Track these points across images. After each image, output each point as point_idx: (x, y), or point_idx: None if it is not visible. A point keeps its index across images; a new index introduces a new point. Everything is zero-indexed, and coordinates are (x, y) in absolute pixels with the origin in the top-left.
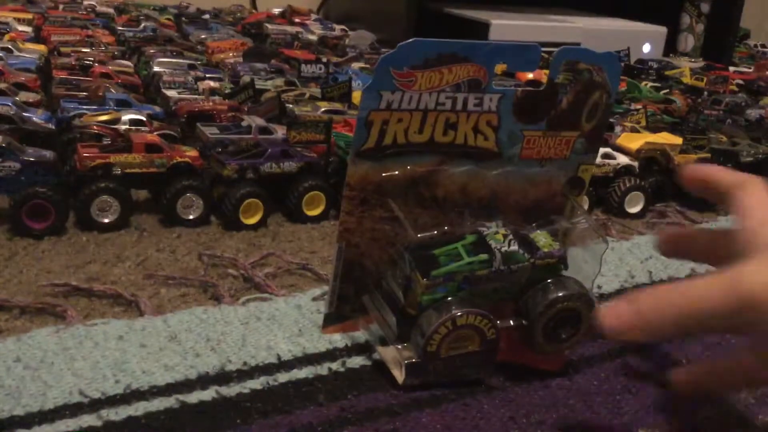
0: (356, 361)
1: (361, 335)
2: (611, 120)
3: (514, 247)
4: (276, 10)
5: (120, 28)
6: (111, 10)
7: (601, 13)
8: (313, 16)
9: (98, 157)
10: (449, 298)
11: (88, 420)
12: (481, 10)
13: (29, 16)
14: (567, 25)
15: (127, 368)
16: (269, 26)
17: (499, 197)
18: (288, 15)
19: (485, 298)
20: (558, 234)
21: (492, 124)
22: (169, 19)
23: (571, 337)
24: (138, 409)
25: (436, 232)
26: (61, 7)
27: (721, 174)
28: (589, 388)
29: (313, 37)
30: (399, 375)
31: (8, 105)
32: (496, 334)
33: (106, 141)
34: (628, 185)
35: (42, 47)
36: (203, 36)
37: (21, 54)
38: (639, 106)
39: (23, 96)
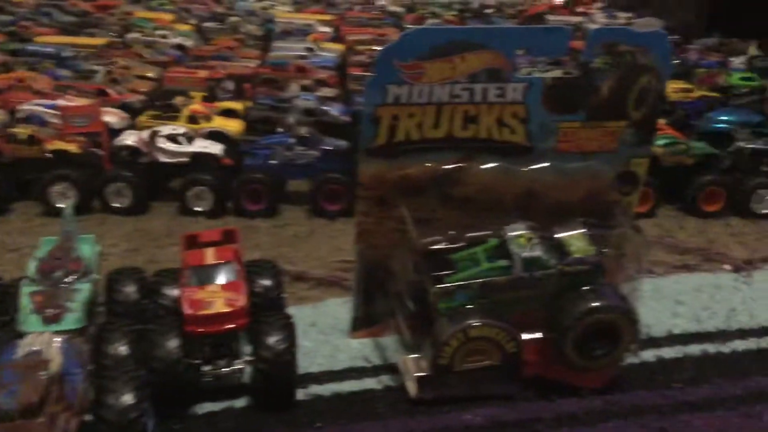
0: None
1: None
2: None
3: (537, 253)
4: (559, 0)
5: (407, 26)
6: (401, 9)
7: None
8: (599, 4)
9: None
10: (468, 307)
11: (370, 383)
12: None
13: (329, 17)
14: None
15: None
16: (550, 17)
17: (537, 195)
18: (572, 4)
19: (510, 308)
20: (606, 237)
21: (519, 115)
22: (454, 15)
23: (608, 353)
24: None
25: (452, 235)
26: (356, 8)
27: None
28: None
29: (595, 26)
30: (412, 388)
31: (310, 99)
32: (518, 347)
33: None
34: None
35: (340, 46)
36: None
37: (322, 53)
38: None
39: (323, 91)
